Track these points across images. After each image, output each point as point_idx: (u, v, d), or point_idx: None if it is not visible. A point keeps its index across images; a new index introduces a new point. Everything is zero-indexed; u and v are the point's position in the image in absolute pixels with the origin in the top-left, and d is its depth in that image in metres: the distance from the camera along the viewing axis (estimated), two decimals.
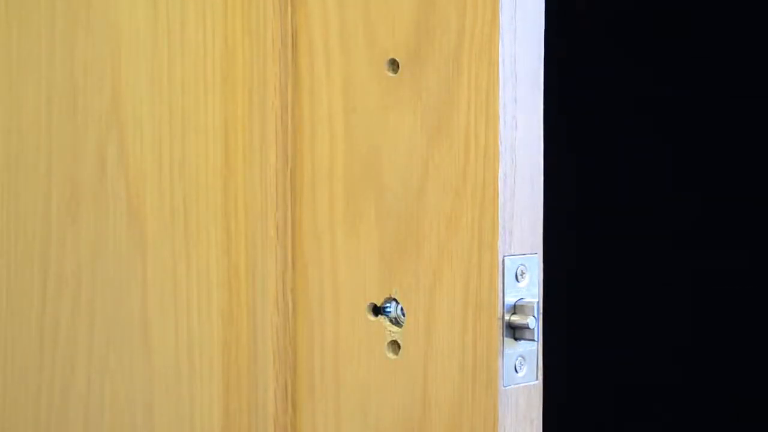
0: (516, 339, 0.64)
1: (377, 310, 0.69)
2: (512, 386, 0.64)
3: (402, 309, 0.68)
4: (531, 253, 0.66)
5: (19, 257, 0.91)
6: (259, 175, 0.75)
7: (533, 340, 0.64)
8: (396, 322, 0.69)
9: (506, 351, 0.64)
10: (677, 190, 1.45)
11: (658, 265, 1.47)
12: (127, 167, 0.84)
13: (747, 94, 1.41)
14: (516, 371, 0.65)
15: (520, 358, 0.65)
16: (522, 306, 0.64)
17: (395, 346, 0.68)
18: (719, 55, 1.42)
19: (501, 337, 0.64)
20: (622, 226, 1.48)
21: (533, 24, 0.65)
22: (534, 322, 0.64)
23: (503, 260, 0.64)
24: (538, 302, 0.65)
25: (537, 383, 0.66)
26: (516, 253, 0.65)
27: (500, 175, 0.64)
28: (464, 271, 0.65)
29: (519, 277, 0.65)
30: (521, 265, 0.65)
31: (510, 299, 0.64)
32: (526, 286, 0.65)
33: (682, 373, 1.44)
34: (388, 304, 0.69)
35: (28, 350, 0.90)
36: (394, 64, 0.68)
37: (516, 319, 0.64)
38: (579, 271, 1.43)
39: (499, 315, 0.64)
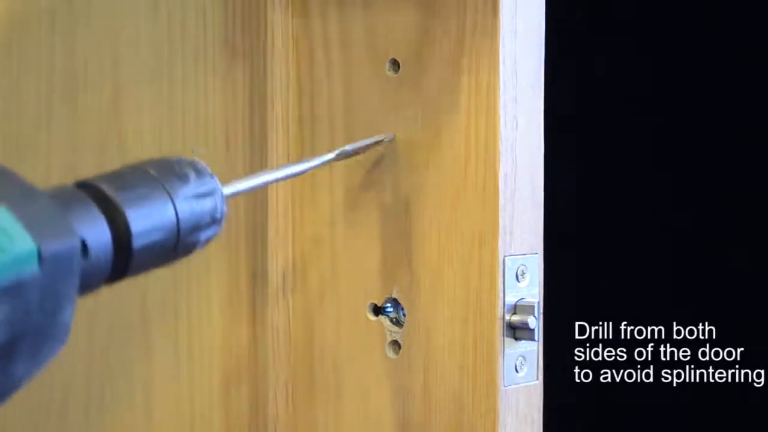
0: (516, 339, 0.64)
1: (377, 310, 0.69)
2: (512, 386, 0.64)
3: (402, 309, 0.68)
4: (531, 253, 0.66)
5: None
6: None
7: (533, 340, 0.64)
8: (396, 322, 0.69)
9: (506, 351, 0.64)
10: (679, 189, 1.45)
11: (660, 265, 1.46)
12: None
13: (753, 94, 1.41)
14: (516, 371, 0.65)
15: (520, 358, 0.65)
16: (522, 306, 0.64)
17: (395, 346, 0.68)
18: (720, 55, 1.42)
19: (501, 337, 0.64)
20: (623, 226, 1.48)
21: (533, 24, 0.65)
22: (534, 322, 0.64)
23: (503, 260, 0.64)
24: (538, 302, 0.65)
25: (537, 383, 0.66)
26: (516, 253, 0.64)
27: (500, 175, 0.63)
28: (464, 271, 0.65)
29: (519, 277, 0.65)
30: (521, 265, 0.65)
31: (510, 299, 0.64)
32: (527, 286, 0.65)
33: (682, 373, 1.44)
34: (388, 304, 0.69)
35: None
36: (394, 64, 0.68)
37: (516, 319, 0.64)
38: (579, 271, 1.43)
39: (500, 315, 0.64)
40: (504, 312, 0.64)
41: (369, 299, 0.69)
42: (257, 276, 0.76)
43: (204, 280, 0.79)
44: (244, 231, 0.77)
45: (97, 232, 0.49)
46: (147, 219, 0.51)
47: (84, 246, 0.47)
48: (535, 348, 0.66)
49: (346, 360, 0.71)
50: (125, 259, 0.51)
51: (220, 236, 0.78)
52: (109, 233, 0.49)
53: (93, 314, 0.85)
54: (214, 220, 0.55)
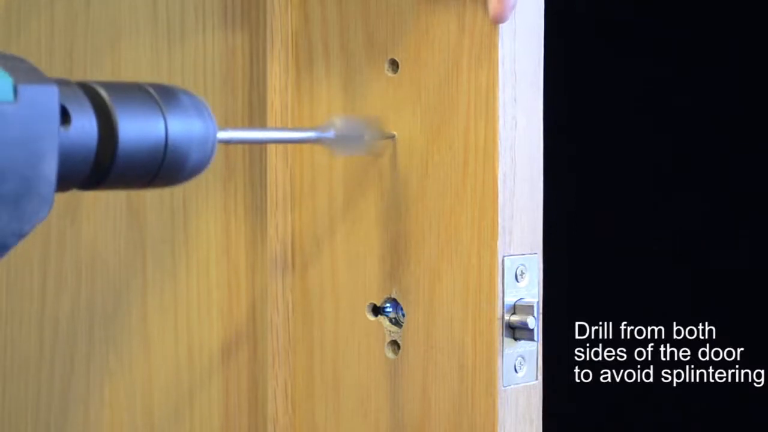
0: (516, 339, 0.64)
1: (377, 310, 0.69)
2: (512, 386, 0.64)
3: (401, 309, 0.68)
4: (531, 253, 0.66)
5: (19, 257, 0.91)
6: (259, 175, 0.75)
7: (533, 340, 0.64)
8: (396, 322, 0.69)
9: (506, 351, 0.64)
10: (680, 189, 1.45)
11: (660, 266, 1.46)
12: None
13: (751, 94, 1.41)
14: (516, 371, 0.65)
15: (519, 358, 0.65)
16: (522, 306, 0.64)
17: (395, 346, 0.68)
18: (719, 54, 1.42)
19: (501, 337, 0.64)
20: (623, 226, 1.48)
21: (533, 24, 0.65)
22: (534, 322, 0.64)
23: (503, 260, 0.64)
24: (537, 302, 0.65)
25: (537, 383, 0.66)
26: (516, 253, 0.64)
27: (500, 175, 0.63)
28: (464, 271, 0.65)
29: (519, 277, 0.65)
30: (521, 265, 0.65)
31: (510, 299, 0.64)
32: (526, 286, 0.65)
33: (682, 373, 1.44)
34: (387, 304, 0.69)
35: (28, 350, 0.90)
36: (393, 64, 0.68)
37: (516, 319, 0.64)
38: (579, 271, 1.43)
39: (499, 315, 0.64)
40: (503, 312, 0.64)
41: (368, 299, 0.70)
42: (257, 276, 0.76)
43: (204, 279, 0.79)
44: (244, 231, 0.77)
45: (81, 111, 0.50)
46: (134, 118, 0.51)
47: (65, 112, 0.49)
48: (535, 348, 0.65)
49: (346, 360, 0.71)
50: (110, 151, 0.51)
51: (220, 237, 0.78)
52: (94, 117, 0.50)
53: (93, 314, 0.86)
54: (206, 142, 0.55)
